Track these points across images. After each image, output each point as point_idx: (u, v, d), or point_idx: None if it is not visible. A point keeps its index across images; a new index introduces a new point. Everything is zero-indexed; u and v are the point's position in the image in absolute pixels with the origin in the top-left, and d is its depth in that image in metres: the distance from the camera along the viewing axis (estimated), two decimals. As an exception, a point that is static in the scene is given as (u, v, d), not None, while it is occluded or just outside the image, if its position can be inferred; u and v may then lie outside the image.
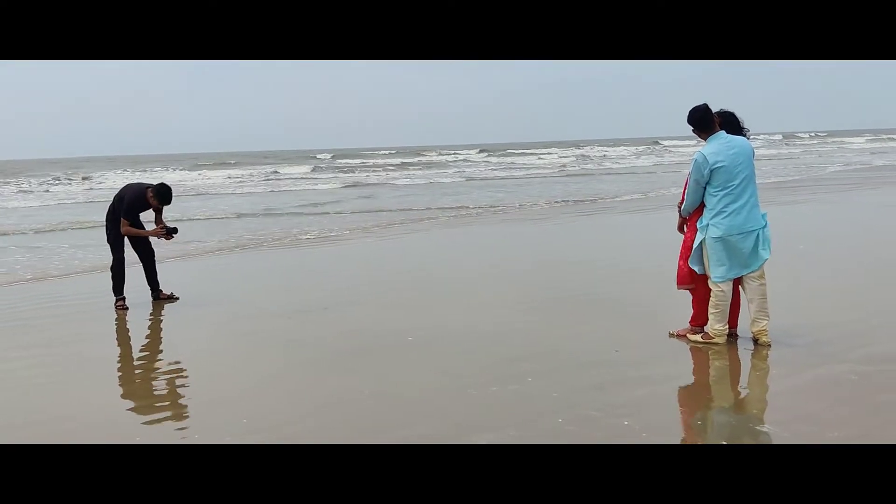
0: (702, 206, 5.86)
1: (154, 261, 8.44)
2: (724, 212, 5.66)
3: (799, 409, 4.65)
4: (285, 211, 19.55)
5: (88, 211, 20.14)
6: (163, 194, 8.08)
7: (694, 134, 5.82)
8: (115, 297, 8.11)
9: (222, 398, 5.22)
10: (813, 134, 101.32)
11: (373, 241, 13.20)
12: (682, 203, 6.05)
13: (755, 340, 5.86)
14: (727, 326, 5.91)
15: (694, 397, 5.12)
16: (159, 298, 8.36)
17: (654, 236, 12.18)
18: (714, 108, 5.79)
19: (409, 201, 21.44)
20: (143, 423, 4.78)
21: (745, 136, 5.91)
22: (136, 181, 9.29)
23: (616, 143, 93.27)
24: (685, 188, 5.95)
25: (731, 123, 5.89)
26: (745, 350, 5.82)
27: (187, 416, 4.93)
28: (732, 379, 5.48)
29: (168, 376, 5.83)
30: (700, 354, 5.80)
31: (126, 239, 8.18)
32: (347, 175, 38.81)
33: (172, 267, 10.44)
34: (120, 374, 5.95)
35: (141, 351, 6.75)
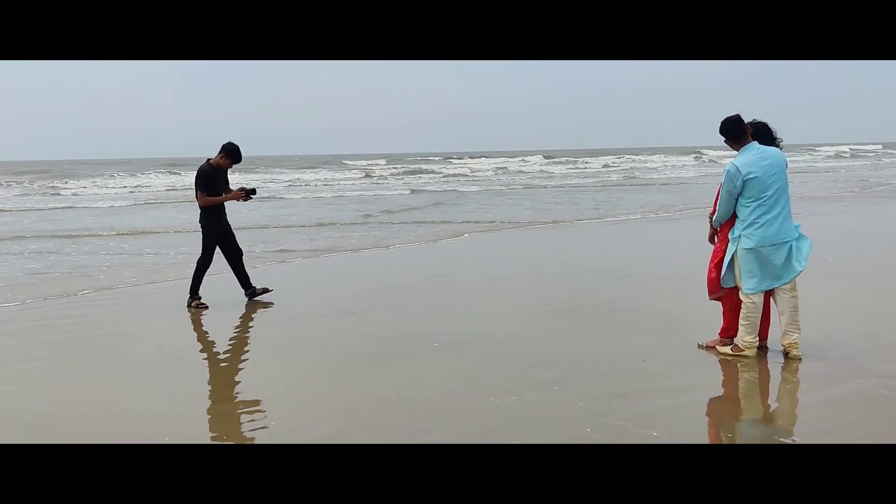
0: (733, 217, 5.82)
1: (242, 260, 8.49)
2: (757, 223, 5.61)
3: (829, 422, 4.59)
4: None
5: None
6: (232, 151, 8.14)
7: (726, 144, 5.78)
8: (189, 297, 8.15)
9: (247, 400, 5.26)
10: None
11: (409, 249, 13.22)
12: (713, 214, 6.01)
13: (785, 353, 5.80)
14: (757, 339, 5.86)
15: (722, 409, 5.07)
16: (254, 296, 8.41)
17: (683, 246, 12.11)
18: (747, 119, 5.76)
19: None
20: (200, 421, 4.83)
21: (777, 146, 5.86)
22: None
23: (652, 151, 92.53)
24: (717, 199, 5.91)
25: (763, 134, 5.85)
26: (775, 363, 5.76)
27: (212, 418, 4.97)
28: (762, 391, 5.42)
29: (190, 376, 5.88)
30: (729, 366, 5.75)
31: (216, 241, 8.21)
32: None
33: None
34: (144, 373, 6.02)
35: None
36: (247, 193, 8.30)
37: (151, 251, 12.90)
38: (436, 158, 73.65)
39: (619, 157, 66.55)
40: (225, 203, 8.31)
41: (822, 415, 4.75)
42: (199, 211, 8.28)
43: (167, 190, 32.83)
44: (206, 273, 8.30)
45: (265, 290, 8.50)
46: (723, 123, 5.71)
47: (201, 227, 8.34)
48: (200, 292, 8.21)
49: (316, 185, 35.48)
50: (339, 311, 7.89)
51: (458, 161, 65.69)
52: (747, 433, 4.64)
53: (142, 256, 12.32)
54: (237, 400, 5.29)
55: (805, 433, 4.53)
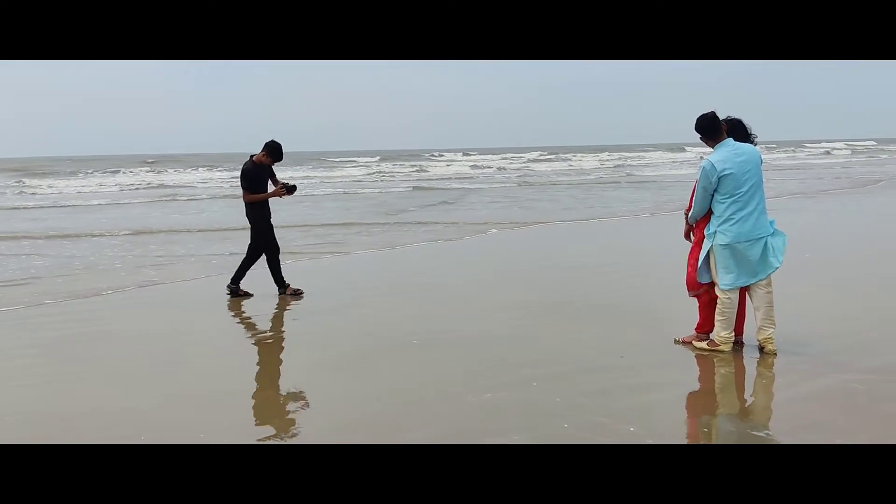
0: (709, 213, 5.85)
1: (279, 257, 8.67)
2: (732, 219, 5.65)
3: (804, 417, 4.63)
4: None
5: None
6: (274, 149, 8.36)
7: (701, 141, 5.81)
8: (230, 282, 8.51)
9: (228, 399, 5.22)
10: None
11: (389, 250, 13.18)
12: (688, 210, 6.04)
13: (761, 348, 5.85)
14: (733, 334, 5.90)
15: (699, 404, 5.10)
16: (285, 294, 8.54)
17: (659, 242, 12.18)
18: (721, 116, 5.80)
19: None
20: (151, 422, 4.78)
21: (752, 142, 5.90)
22: None
23: (640, 147, 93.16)
24: (692, 195, 5.94)
25: (738, 130, 5.89)
26: (750, 358, 5.80)
27: (193, 415, 4.92)
28: (738, 387, 5.46)
29: (174, 373, 5.83)
30: (706, 362, 5.79)
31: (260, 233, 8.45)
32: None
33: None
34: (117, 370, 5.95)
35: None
36: (287, 190, 8.47)
37: (123, 252, 12.77)
38: (429, 154, 73.78)
39: (611, 155, 66.96)
40: (270, 200, 8.53)
41: (797, 409, 4.79)
42: (245, 206, 8.51)
43: (147, 187, 32.57)
44: (278, 268, 8.62)
45: (297, 292, 8.61)
46: (698, 120, 5.74)
47: (249, 221, 8.56)
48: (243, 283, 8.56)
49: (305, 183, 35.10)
50: (324, 310, 7.85)
51: (440, 158, 65.65)
52: (724, 428, 4.67)
53: (118, 257, 12.18)
54: (217, 399, 5.23)
55: (781, 428, 4.57)
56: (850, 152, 69.63)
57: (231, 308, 8.13)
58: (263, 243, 8.52)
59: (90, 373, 5.86)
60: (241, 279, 8.55)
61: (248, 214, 8.54)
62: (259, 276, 8.74)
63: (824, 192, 23.62)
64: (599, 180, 34.03)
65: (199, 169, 49.66)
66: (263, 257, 8.62)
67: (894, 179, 28.94)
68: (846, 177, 31.74)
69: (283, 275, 8.69)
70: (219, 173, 43.95)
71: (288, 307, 8.06)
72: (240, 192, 8.56)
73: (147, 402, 5.13)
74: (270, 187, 8.65)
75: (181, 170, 49.27)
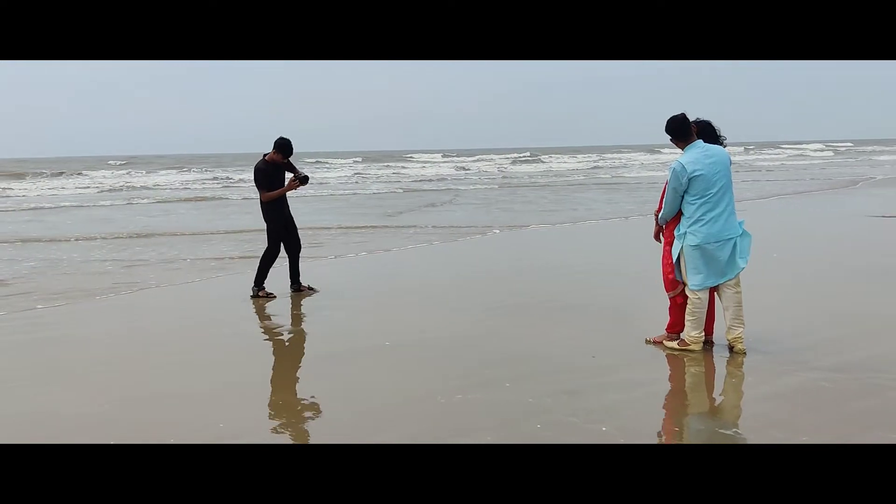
0: (679, 214, 5.91)
1: (299, 255, 8.74)
2: (702, 220, 5.70)
3: (773, 415, 4.69)
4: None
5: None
6: (283, 146, 8.40)
7: (671, 143, 5.86)
8: (254, 287, 8.46)
9: (195, 401, 5.17)
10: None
11: (366, 253, 13.14)
12: (658, 211, 6.09)
13: (730, 348, 5.91)
14: (703, 333, 5.96)
15: (670, 404, 5.15)
16: (300, 291, 8.63)
17: (629, 243, 12.26)
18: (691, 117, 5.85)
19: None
20: (122, 423, 4.72)
21: (721, 144, 5.97)
22: None
23: (617, 149, 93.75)
24: (662, 196, 5.99)
25: (707, 132, 5.94)
26: (720, 357, 5.87)
27: (156, 416, 4.87)
28: (708, 385, 5.52)
29: (141, 374, 5.77)
30: (676, 361, 5.84)
31: (280, 231, 8.49)
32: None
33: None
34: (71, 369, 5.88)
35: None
36: (301, 181, 8.49)
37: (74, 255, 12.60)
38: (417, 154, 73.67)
39: (588, 156, 67.25)
40: (287, 194, 8.58)
41: (766, 407, 4.85)
42: (261, 207, 8.54)
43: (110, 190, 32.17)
44: (296, 265, 8.70)
45: (311, 289, 8.71)
46: (668, 122, 5.79)
47: (265, 220, 8.56)
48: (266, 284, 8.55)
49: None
50: (295, 314, 7.82)
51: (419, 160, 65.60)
52: (694, 427, 4.71)
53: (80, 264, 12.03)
54: (183, 402, 5.18)
55: (749, 426, 4.63)
56: (832, 153, 70.52)
57: (198, 310, 8.06)
58: (279, 243, 8.54)
59: (49, 376, 5.78)
60: (262, 281, 8.52)
61: (263, 215, 8.57)
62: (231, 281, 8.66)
63: (801, 192, 23.92)
64: (575, 182, 34.19)
65: (170, 171, 49.17)
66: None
67: (872, 180, 29.39)
68: (825, 178, 32.15)
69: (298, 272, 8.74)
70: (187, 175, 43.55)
71: (265, 310, 7.99)
72: (256, 193, 8.58)
73: (97, 406, 5.07)
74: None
75: (150, 172, 48.79)
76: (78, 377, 5.76)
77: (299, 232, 8.78)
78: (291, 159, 8.53)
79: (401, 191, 29.14)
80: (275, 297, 8.43)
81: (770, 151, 77.95)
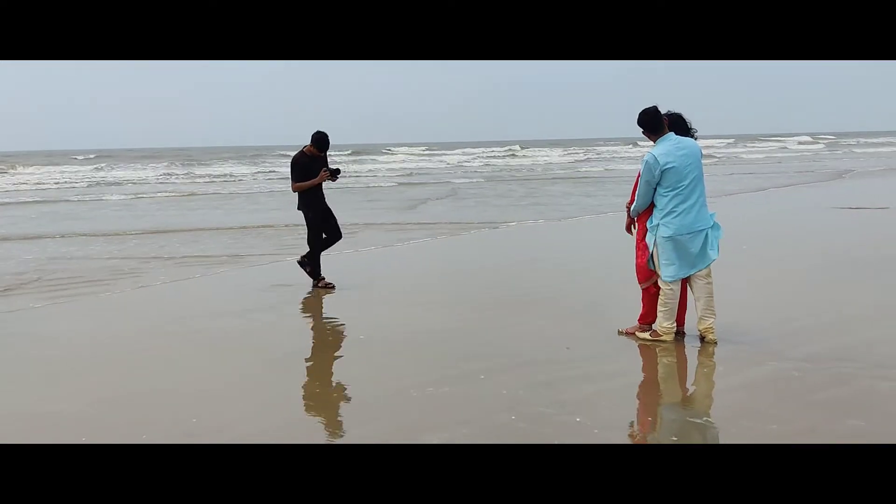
0: (651, 205, 5.95)
1: (331, 245, 8.83)
2: (675, 212, 5.75)
3: (743, 405, 4.74)
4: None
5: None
6: (318, 140, 8.55)
7: (643, 135, 5.90)
8: (314, 281, 8.62)
9: (165, 399, 5.12)
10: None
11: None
12: (630, 203, 6.13)
13: (702, 338, 5.97)
14: (675, 324, 6.02)
15: (643, 394, 5.19)
16: (318, 286, 8.62)
17: (601, 236, 12.34)
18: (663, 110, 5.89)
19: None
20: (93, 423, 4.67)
21: (692, 136, 6.02)
22: None
23: (592, 143, 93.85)
24: (634, 189, 6.03)
25: (678, 125, 5.99)
26: (692, 347, 5.93)
27: (128, 414, 4.82)
28: (680, 376, 5.57)
29: (109, 373, 5.70)
30: (648, 352, 5.89)
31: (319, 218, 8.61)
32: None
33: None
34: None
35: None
36: (331, 174, 8.57)
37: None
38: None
39: (567, 149, 67.12)
40: (322, 186, 8.65)
41: (736, 397, 4.91)
42: (297, 199, 8.64)
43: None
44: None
45: (329, 285, 8.66)
46: (640, 115, 5.82)
47: (302, 212, 8.67)
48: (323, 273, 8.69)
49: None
50: (265, 307, 7.76)
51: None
52: (666, 417, 4.76)
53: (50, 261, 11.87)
54: (154, 399, 5.13)
55: (721, 415, 4.68)
56: (823, 146, 71.10)
57: (162, 309, 7.99)
58: (319, 233, 8.65)
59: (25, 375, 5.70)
60: (318, 273, 8.64)
61: (299, 207, 8.68)
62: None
63: (784, 186, 24.19)
64: (550, 176, 34.32)
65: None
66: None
67: (852, 172, 29.79)
68: (808, 171, 32.51)
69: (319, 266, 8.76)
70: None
71: (246, 306, 7.93)
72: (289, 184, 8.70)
73: (89, 404, 5.01)
74: None
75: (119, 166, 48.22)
76: (57, 375, 5.68)
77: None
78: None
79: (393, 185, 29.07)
80: (333, 287, 8.53)
81: (759, 144, 78.51)
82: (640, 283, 6.20)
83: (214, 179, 34.40)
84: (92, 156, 67.81)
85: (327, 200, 8.77)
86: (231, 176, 36.53)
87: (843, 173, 29.63)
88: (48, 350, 6.30)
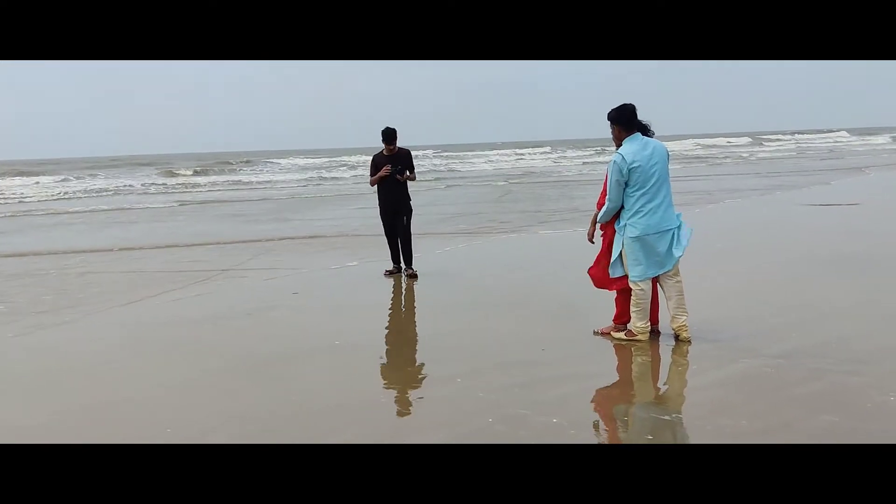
0: (616, 215, 5.99)
1: (402, 239, 9.54)
2: (641, 211, 5.80)
3: (718, 402, 4.78)
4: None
5: None
6: (385, 134, 9.42)
7: (611, 130, 5.95)
8: (394, 265, 9.69)
9: (139, 407, 5.06)
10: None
11: (305, 251, 13.02)
12: (601, 205, 6.12)
13: (676, 336, 6.02)
14: (649, 323, 6.06)
15: (619, 393, 5.22)
16: (408, 274, 9.47)
17: (575, 240, 12.37)
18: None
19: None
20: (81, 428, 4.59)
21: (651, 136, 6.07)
22: None
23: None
24: (604, 190, 6.03)
25: (643, 129, 6.03)
26: (666, 346, 5.97)
27: (106, 421, 4.75)
28: (655, 375, 5.61)
29: (93, 377, 5.62)
30: (624, 351, 5.92)
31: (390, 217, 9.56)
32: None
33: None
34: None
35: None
36: (394, 169, 9.34)
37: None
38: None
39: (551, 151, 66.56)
40: (391, 181, 9.40)
41: (710, 395, 4.94)
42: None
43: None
44: (407, 249, 9.53)
45: (412, 274, 9.43)
46: (620, 108, 5.86)
47: None
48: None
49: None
50: (240, 314, 7.69)
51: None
52: (642, 416, 4.78)
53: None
54: (128, 405, 5.06)
55: (695, 413, 4.71)
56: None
57: (153, 312, 7.89)
58: (385, 226, 9.63)
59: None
60: (398, 260, 9.59)
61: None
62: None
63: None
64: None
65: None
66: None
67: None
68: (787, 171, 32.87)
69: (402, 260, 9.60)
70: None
71: (225, 309, 7.85)
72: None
73: (60, 412, 4.93)
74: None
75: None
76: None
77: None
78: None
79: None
80: (416, 275, 9.30)
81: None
82: (608, 290, 6.25)
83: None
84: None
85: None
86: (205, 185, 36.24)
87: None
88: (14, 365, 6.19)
